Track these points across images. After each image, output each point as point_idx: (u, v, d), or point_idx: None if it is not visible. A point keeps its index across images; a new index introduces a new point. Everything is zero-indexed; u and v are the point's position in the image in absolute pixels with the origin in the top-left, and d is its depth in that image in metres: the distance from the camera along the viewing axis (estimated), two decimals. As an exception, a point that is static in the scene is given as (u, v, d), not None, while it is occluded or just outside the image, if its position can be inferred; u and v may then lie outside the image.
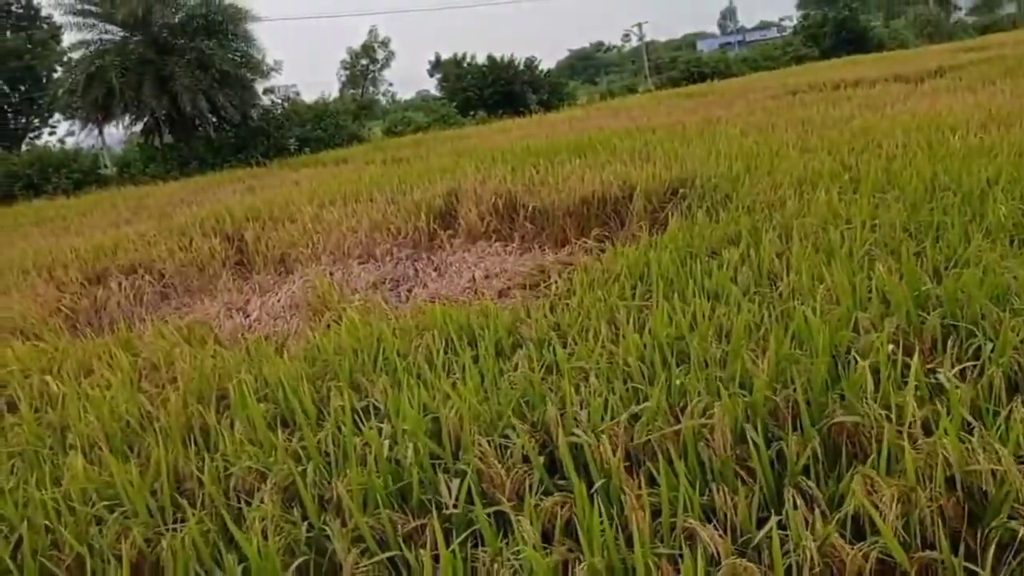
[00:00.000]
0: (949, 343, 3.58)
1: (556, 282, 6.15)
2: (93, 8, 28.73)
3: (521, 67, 40.28)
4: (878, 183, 6.95)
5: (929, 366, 3.44)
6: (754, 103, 19.12)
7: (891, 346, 3.47)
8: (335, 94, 43.48)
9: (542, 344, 4.20)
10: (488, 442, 3.05)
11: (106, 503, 3.02)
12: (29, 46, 48.73)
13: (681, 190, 8.85)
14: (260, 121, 30.71)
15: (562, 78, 46.43)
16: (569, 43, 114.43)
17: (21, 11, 51.99)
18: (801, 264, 4.77)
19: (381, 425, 3.43)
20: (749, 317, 4.00)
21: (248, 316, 8.11)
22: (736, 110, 17.54)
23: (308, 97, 35.84)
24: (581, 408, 3.27)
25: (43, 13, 50.23)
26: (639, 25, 71.64)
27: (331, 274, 8.71)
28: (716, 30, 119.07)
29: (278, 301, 8.39)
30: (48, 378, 4.75)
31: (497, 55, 41.16)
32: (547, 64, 44.18)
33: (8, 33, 49.83)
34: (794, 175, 7.93)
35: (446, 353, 4.29)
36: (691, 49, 76.89)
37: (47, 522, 2.90)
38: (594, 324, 4.34)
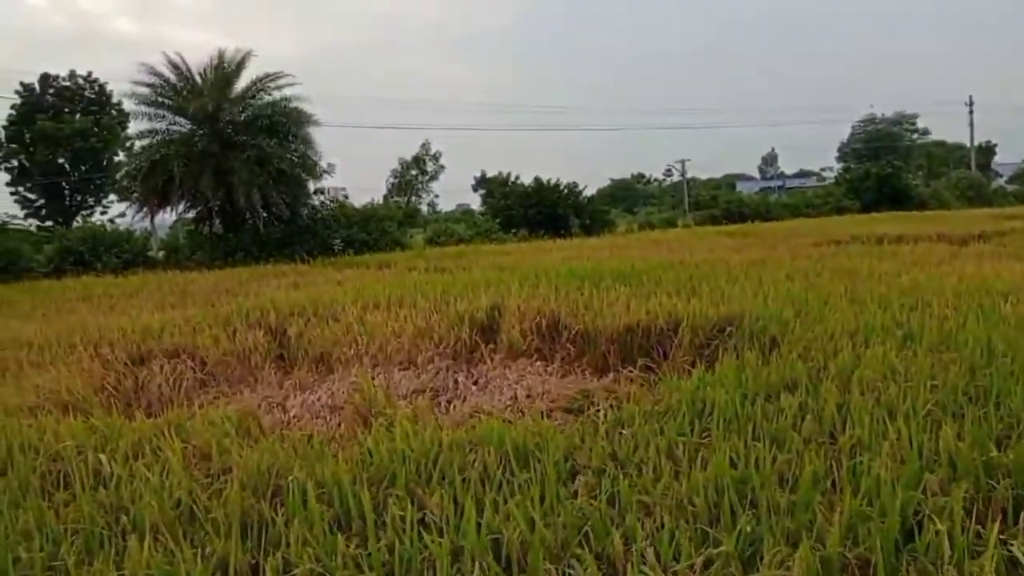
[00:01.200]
0: (1022, 516, 3.51)
1: (604, 409, 6.12)
2: (167, 101, 30.17)
3: (565, 191, 41.26)
4: (933, 342, 6.94)
5: (1001, 536, 3.37)
6: (797, 249, 19.33)
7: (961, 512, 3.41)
8: (380, 199, 44.72)
9: (600, 473, 4.17)
10: (556, 570, 2.99)
11: (170, 593, 2.99)
12: (95, 129, 51.13)
13: (728, 328, 8.88)
14: (308, 219, 31.58)
15: (603, 205, 47.36)
16: (611, 171, 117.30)
17: (93, 96, 54.81)
18: (863, 417, 4.73)
19: (441, 540, 3.38)
20: (815, 467, 3.95)
21: (287, 412, 8.13)
22: (779, 253, 17.74)
23: (356, 200, 36.87)
24: (648, 544, 3.21)
25: (113, 100, 52.96)
26: (682, 162, 73.60)
27: (373, 378, 8.74)
28: (756, 173, 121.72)
29: (318, 399, 8.41)
30: (101, 456, 4.77)
31: (543, 177, 42.30)
32: (589, 190, 45.25)
33: (78, 115, 52.39)
34: (846, 326, 7.95)
35: (502, 471, 4.25)
36: (731, 189, 78.35)
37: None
38: (652, 457, 4.30)
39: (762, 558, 3.09)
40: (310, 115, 30.94)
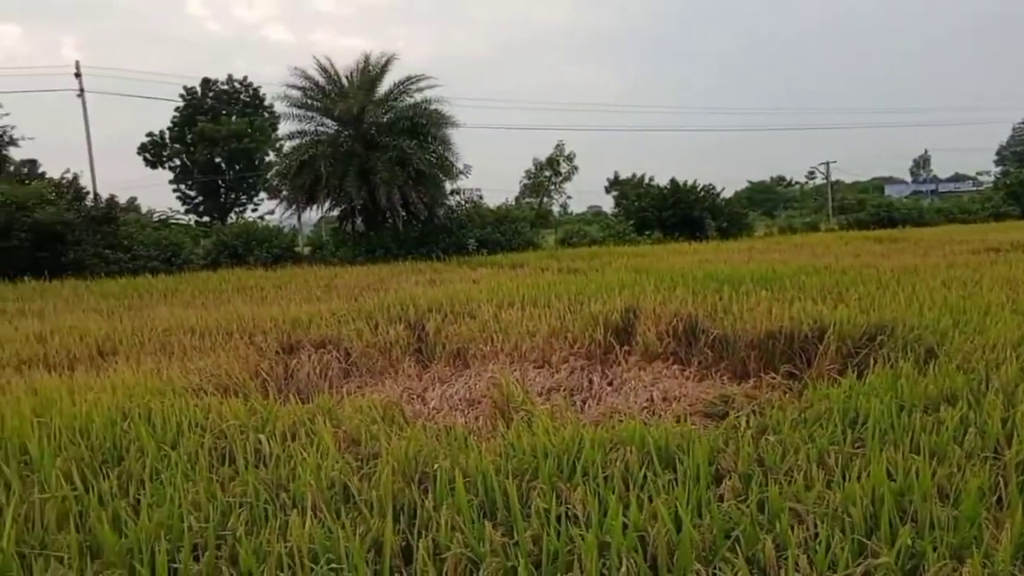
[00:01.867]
0: None
1: (747, 415, 5.98)
2: (316, 103, 31.58)
3: (701, 193, 40.50)
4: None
5: None
6: (952, 256, 18.24)
7: None
8: (513, 200, 45.27)
9: (748, 478, 4.08)
10: (706, 572, 2.95)
11: (331, 566, 3.14)
12: (249, 130, 54.23)
13: (879, 336, 8.49)
14: (445, 219, 32.33)
15: (740, 208, 46.16)
16: (749, 174, 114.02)
17: (248, 99, 58.17)
18: (1033, 433, 4.43)
19: (584, 534, 3.40)
20: (980, 482, 3.73)
21: (427, 403, 8.36)
22: (933, 261, 16.78)
23: (489, 200, 37.50)
24: (801, 552, 3.12)
25: (266, 103, 56.02)
26: (827, 164, 70.74)
27: (508, 375, 8.86)
28: (906, 177, 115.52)
29: (456, 393, 8.60)
30: (261, 436, 5.06)
31: (677, 179, 41.67)
32: (727, 193, 44.22)
33: (234, 117, 55.72)
34: (1009, 337, 7.44)
35: (644, 471, 4.23)
36: (879, 193, 74.71)
37: (280, 574, 3.05)
38: (803, 464, 4.17)
39: (923, 572, 2.94)
40: (448, 117, 31.73)
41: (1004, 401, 5.37)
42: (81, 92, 36.54)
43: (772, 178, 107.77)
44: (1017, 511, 3.25)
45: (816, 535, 3.26)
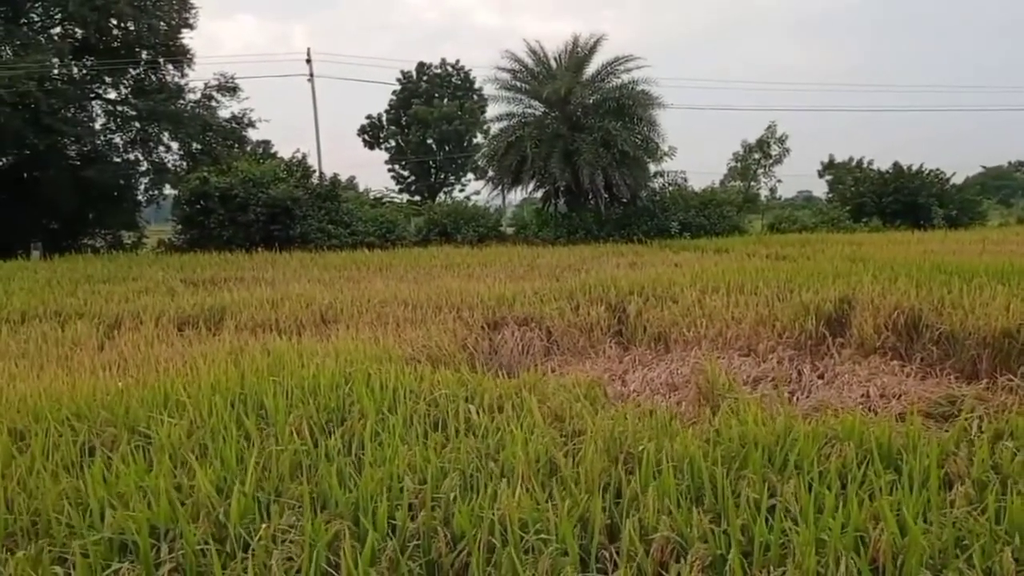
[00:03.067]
0: None
1: (979, 418, 5.50)
2: (524, 85, 32.18)
3: (928, 178, 37.44)
4: None
5: None
6: None
7: None
8: (718, 183, 43.92)
9: (982, 486, 3.76)
10: (935, 579, 2.77)
11: (540, 536, 3.23)
12: (460, 113, 56.20)
13: None
14: (647, 201, 31.98)
15: (972, 194, 42.25)
16: (983, 158, 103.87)
17: (459, 82, 60.25)
18: None
19: (797, 528, 3.28)
20: None
21: (627, 385, 8.35)
22: None
23: (695, 183, 36.64)
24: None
25: (476, 86, 57.80)
26: (1077, 147, 63.14)
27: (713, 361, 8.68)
28: None
29: (657, 376, 8.52)
30: (471, 407, 5.27)
31: (901, 163, 38.78)
32: (957, 178, 40.59)
33: (445, 100, 57.94)
34: None
35: (863, 469, 4.00)
36: None
37: (492, 539, 3.18)
38: (1048, 476, 3.79)
39: None
40: (655, 97, 31.19)
41: None
42: (311, 77, 39.29)
43: (1010, 163, 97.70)
44: None
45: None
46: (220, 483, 3.88)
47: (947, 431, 5.37)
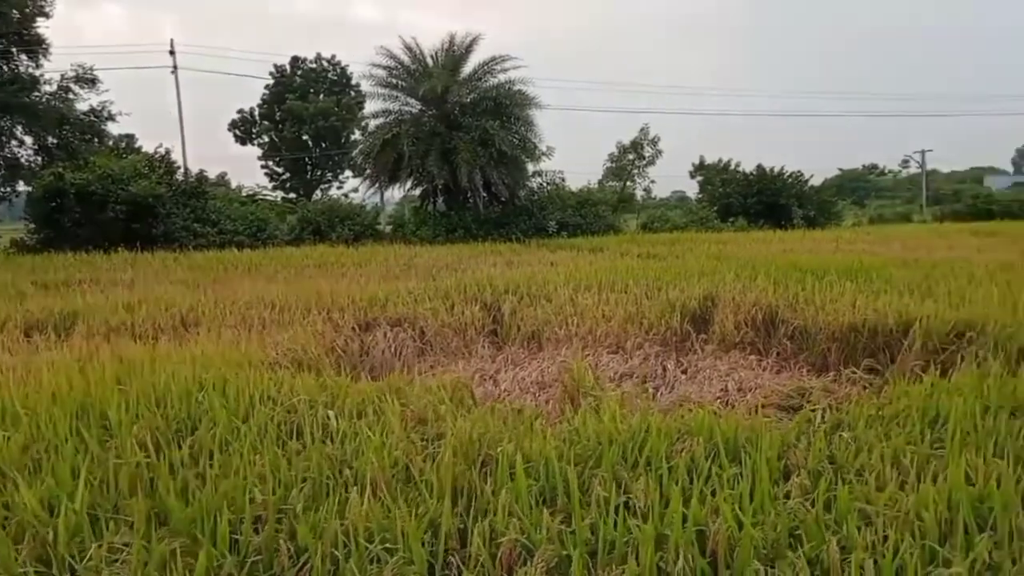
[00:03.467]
0: None
1: (823, 409, 5.81)
2: (401, 82, 31.92)
3: (789, 180, 39.41)
4: None
5: None
6: (1057, 251, 17.32)
7: None
8: (595, 183, 44.89)
9: (817, 476, 3.96)
10: (765, 570, 2.88)
11: (386, 546, 3.18)
12: (336, 109, 55.19)
13: (968, 334, 8.13)
14: (525, 201, 32.33)
15: (829, 196, 44.79)
16: (840, 161, 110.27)
17: (335, 78, 59.16)
18: None
19: (642, 525, 3.36)
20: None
21: (498, 385, 8.39)
22: (1033, 256, 15.96)
23: (572, 183, 37.20)
24: (868, 556, 3.01)
25: (353, 82, 56.87)
26: (922, 152, 67.93)
27: (582, 359, 8.82)
28: (1008, 167, 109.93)
29: (528, 376, 8.60)
30: (330, 412, 5.16)
31: (766, 165, 40.66)
32: (815, 180, 42.89)
33: (321, 96, 56.77)
34: (1114, 338, 7.03)
35: (710, 463, 4.15)
36: (977, 184, 71.37)
37: (335, 551, 3.11)
38: (876, 464, 4.03)
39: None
40: (532, 98, 31.57)
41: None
42: (175, 69, 37.80)
43: (864, 166, 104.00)
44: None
45: (885, 539, 3.14)
46: (51, 500, 3.65)
47: (792, 422, 5.62)
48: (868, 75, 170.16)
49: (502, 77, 31.98)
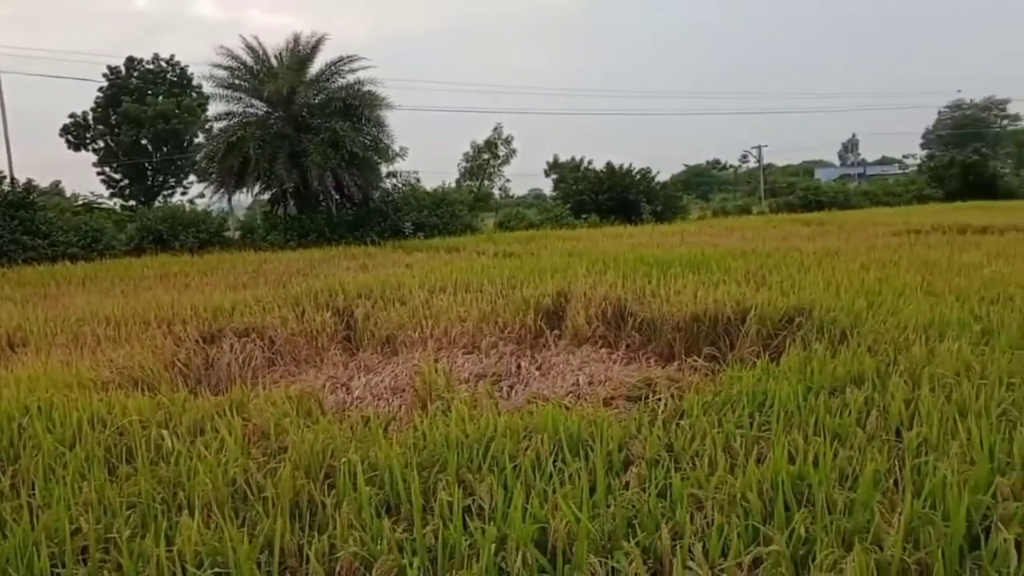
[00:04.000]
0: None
1: (665, 399, 6.02)
2: (244, 83, 30.80)
3: (637, 176, 40.80)
4: (1013, 338, 6.62)
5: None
6: (874, 238, 18.74)
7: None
8: (452, 183, 44.97)
9: (654, 464, 4.09)
10: (600, 562, 2.95)
11: (216, 570, 3.04)
12: (177, 111, 52.66)
13: (797, 319, 8.64)
14: (380, 202, 31.90)
15: (676, 191, 46.75)
16: (686, 158, 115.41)
17: (175, 79, 56.44)
18: (932, 415, 4.54)
19: (485, 527, 3.37)
20: (876, 465, 3.81)
21: (351, 393, 8.24)
22: (855, 243, 17.21)
23: (428, 183, 37.05)
24: (697, 540, 3.14)
25: (194, 82, 54.41)
26: (759, 148, 71.91)
27: (436, 361, 8.79)
28: (835, 160, 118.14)
29: (382, 381, 8.50)
30: (164, 433, 4.91)
31: (615, 162, 41.91)
32: (663, 176, 44.65)
33: (160, 98, 54.02)
34: (920, 319, 7.65)
35: (554, 460, 4.22)
36: (809, 176, 76.28)
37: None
38: (709, 450, 4.21)
39: (815, 558, 2.98)
40: (383, 98, 31.11)
41: (909, 382, 5.51)
42: (-7, 73, 35.10)
43: (708, 161, 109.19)
44: (908, 495, 3.32)
45: (712, 522, 3.28)
46: None
47: (643, 413, 5.80)
48: (711, 75, 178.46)
49: (351, 77, 31.42)
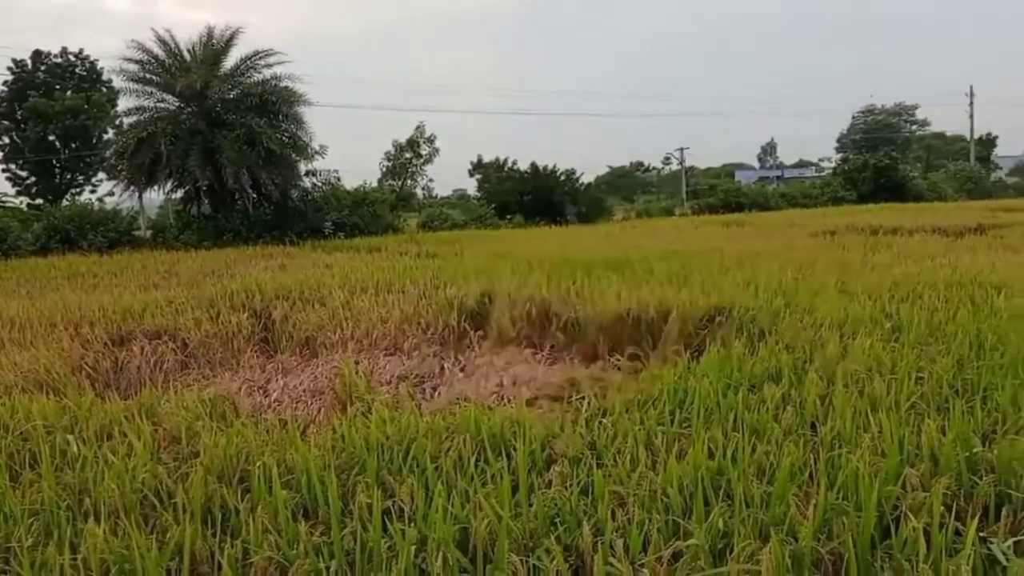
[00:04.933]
0: (1003, 512, 3.43)
1: (589, 398, 6.04)
2: (155, 78, 29.83)
3: (562, 178, 41.05)
4: (921, 335, 6.87)
5: (982, 534, 3.28)
6: (792, 239, 19.26)
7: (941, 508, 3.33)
8: (375, 182, 44.31)
9: (577, 462, 4.08)
10: (521, 561, 2.91)
11: (120, 579, 2.89)
12: (86, 107, 50.69)
13: (718, 318, 8.79)
14: (299, 201, 31.25)
15: (600, 193, 47.26)
16: (610, 159, 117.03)
17: (84, 73, 54.33)
18: (845, 410, 4.65)
19: (406, 528, 3.30)
20: (793, 459, 3.87)
21: (268, 396, 8.03)
22: (774, 244, 17.65)
23: (348, 183, 36.31)
24: (618, 536, 3.13)
25: (104, 77, 52.48)
26: (681, 150, 73.37)
27: (357, 363, 8.64)
28: (755, 163, 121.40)
29: (300, 384, 8.31)
30: (70, 437, 4.67)
31: (540, 163, 42.09)
32: (587, 177, 45.04)
33: (69, 92, 51.92)
34: (834, 317, 7.87)
35: (477, 460, 4.17)
36: (729, 179, 78.15)
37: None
38: (631, 447, 4.22)
39: (733, 551, 3.01)
40: (301, 94, 30.46)
41: (824, 378, 5.65)
42: None
43: (632, 163, 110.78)
44: (822, 487, 3.39)
45: (634, 518, 3.27)
46: None
47: (566, 412, 5.80)
48: (637, 79, 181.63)
49: (267, 73, 30.75)
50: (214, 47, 30.12)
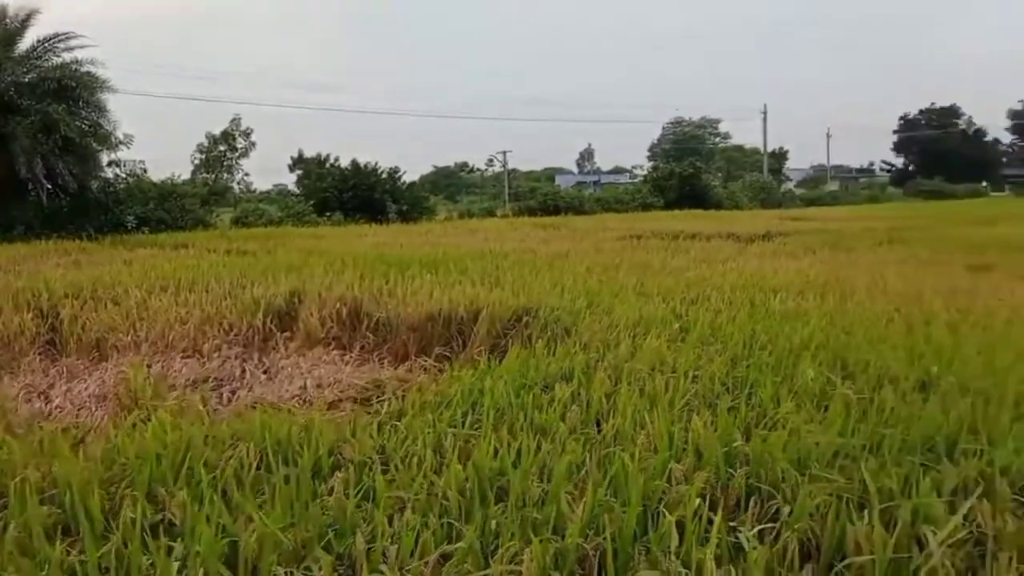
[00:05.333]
0: (752, 502, 3.72)
1: (389, 399, 6.02)
2: (-66, 55, 26.97)
3: (384, 175, 40.68)
4: (704, 335, 7.34)
5: (732, 524, 3.55)
6: (602, 242, 20.05)
7: (698, 500, 3.57)
8: (186, 175, 41.98)
9: (364, 467, 4.06)
10: (287, 573, 2.85)
11: None
12: None
13: (525, 318, 9.01)
14: (99, 193, 29.17)
15: (424, 192, 47.26)
16: (434, 159, 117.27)
17: None
18: (627, 408, 4.89)
19: (173, 544, 3.16)
20: (572, 458, 4.03)
21: (51, 402, 7.48)
22: (585, 246, 18.31)
23: (156, 175, 34.18)
24: (392, 542, 3.14)
25: None
26: (504, 153, 74.76)
27: (149, 366, 8.19)
28: (574, 168, 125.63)
29: (85, 389, 7.79)
30: None
31: (361, 160, 41.53)
32: (410, 176, 44.87)
33: None
34: (630, 317, 8.25)
35: (259, 469, 4.05)
36: (550, 182, 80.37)
37: None
38: (420, 450, 4.25)
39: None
40: (104, 80, 28.41)
41: (612, 377, 5.92)
42: None
43: (456, 164, 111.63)
44: (590, 485, 3.55)
45: (413, 525, 3.30)
46: None
47: (368, 414, 5.75)
48: (465, 80, 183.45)
49: (67, 56, 28.49)
50: (8, 26, 27.56)
